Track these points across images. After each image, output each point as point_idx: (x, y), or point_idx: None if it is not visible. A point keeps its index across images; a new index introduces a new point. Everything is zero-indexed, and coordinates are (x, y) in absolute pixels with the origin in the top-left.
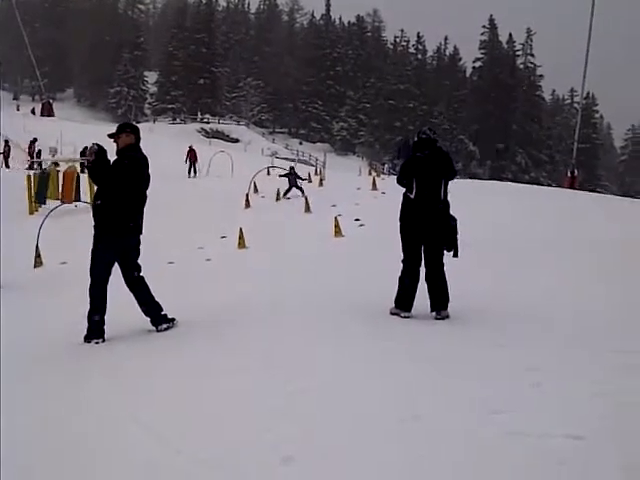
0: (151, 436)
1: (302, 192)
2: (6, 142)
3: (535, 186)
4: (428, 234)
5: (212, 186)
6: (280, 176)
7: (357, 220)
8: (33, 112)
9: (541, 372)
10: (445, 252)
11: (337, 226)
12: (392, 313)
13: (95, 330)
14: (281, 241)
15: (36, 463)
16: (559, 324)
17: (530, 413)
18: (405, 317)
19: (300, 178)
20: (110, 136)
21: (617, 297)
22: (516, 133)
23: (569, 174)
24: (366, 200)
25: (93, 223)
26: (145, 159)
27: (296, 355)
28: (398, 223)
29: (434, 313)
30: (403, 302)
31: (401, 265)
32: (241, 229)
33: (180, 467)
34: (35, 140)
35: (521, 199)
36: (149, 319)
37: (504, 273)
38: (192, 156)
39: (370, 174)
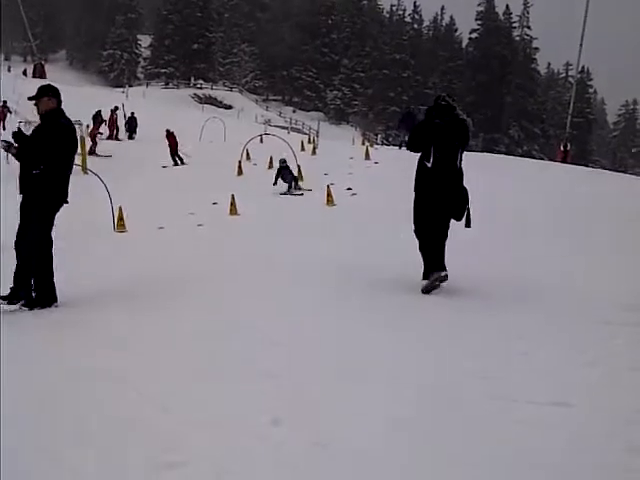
0: (136, 394)
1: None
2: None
3: (529, 159)
4: (444, 203)
5: (204, 152)
6: (275, 180)
7: (349, 189)
8: (25, 74)
9: (530, 340)
10: (455, 222)
11: (329, 195)
12: (426, 287)
13: (51, 294)
14: (272, 208)
15: (11, 424)
16: (549, 293)
17: (518, 380)
18: (445, 276)
19: (292, 174)
20: (30, 99)
21: (603, 268)
22: (510, 106)
23: (562, 148)
24: (359, 170)
25: (22, 194)
26: (70, 124)
27: (282, 317)
28: (413, 194)
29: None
30: (436, 263)
31: (414, 238)
32: (233, 196)
33: (167, 427)
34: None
35: (514, 172)
36: (11, 286)
37: (501, 244)
38: (172, 142)
39: (363, 144)
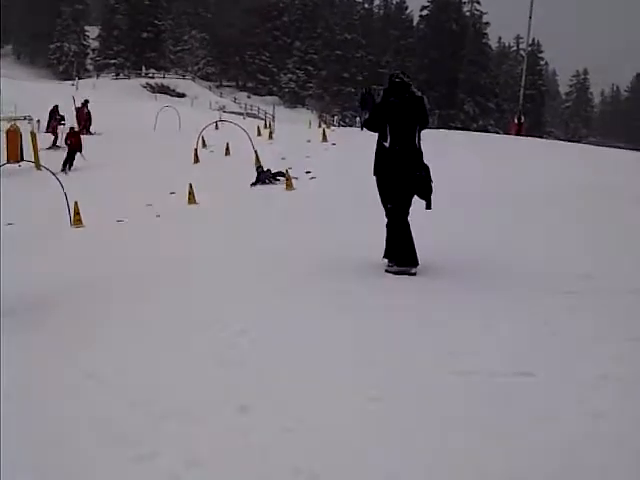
0: (102, 388)
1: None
2: None
3: (484, 134)
4: (406, 183)
5: (160, 142)
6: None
7: (308, 172)
8: None
9: (495, 316)
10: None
11: (288, 179)
12: (396, 272)
13: None
14: (230, 195)
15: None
16: (516, 269)
17: (482, 353)
18: (414, 273)
19: (274, 177)
20: None
21: (563, 239)
22: (464, 82)
23: (516, 121)
24: (317, 153)
25: None
26: None
27: (246, 305)
28: (374, 177)
29: (386, 260)
30: (408, 256)
31: (386, 219)
32: (191, 184)
33: (134, 421)
34: None
35: (472, 146)
36: None
37: (465, 222)
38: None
39: (320, 126)
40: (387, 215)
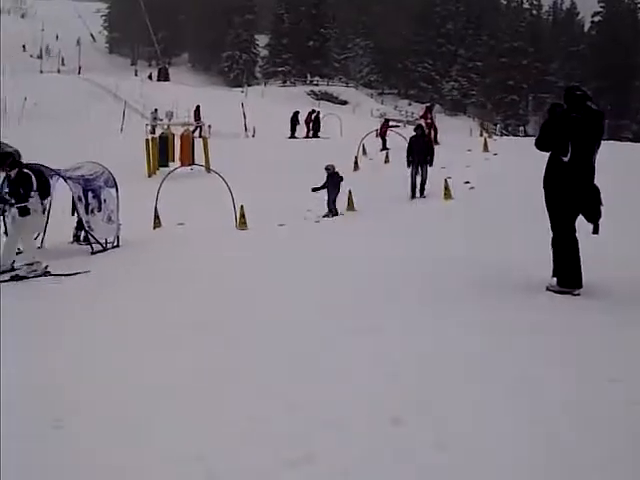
0: (261, 392)
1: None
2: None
3: None
4: (577, 202)
5: (321, 148)
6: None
7: (467, 183)
8: (150, 77)
9: None
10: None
11: (447, 188)
12: (556, 291)
13: None
14: (389, 203)
15: None
16: None
17: None
18: (578, 294)
19: (341, 179)
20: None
21: None
22: (638, 90)
23: None
24: (477, 162)
25: None
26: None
27: (401, 318)
28: (543, 191)
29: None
30: (573, 276)
31: (551, 234)
32: (350, 191)
33: (292, 424)
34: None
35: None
36: None
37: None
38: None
39: (481, 135)
40: (553, 230)
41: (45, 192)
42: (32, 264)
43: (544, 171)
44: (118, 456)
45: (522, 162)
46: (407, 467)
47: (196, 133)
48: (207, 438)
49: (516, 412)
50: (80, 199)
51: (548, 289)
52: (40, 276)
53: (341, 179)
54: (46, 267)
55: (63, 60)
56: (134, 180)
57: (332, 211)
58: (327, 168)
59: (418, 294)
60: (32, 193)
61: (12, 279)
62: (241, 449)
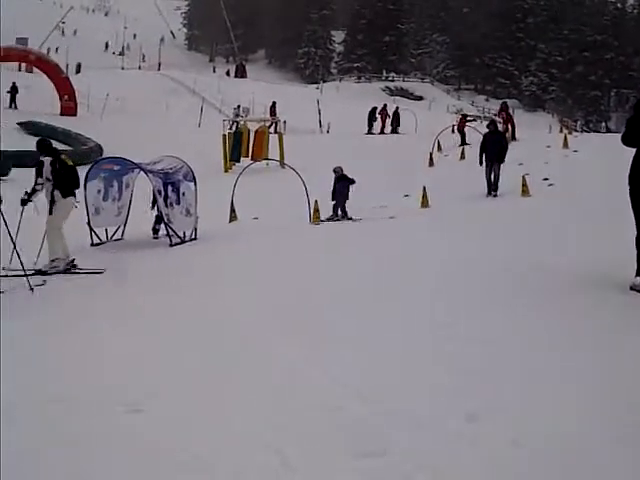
0: (333, 382)
1: (339, 213)
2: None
3: None
4: None
5: (396, 144)
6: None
7: (546, 180)
8: (228, 74)
9: None
10: None
11: (524, 185)
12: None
13: None
14: (464, 200)
15: None
16: None
17: None
18: None
19: (352, 182)
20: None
21: None
22: None
23: None
24: (556, 159)
25: None
26: None
27: (481, 313)
28: (627, 187)
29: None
30: None
31: (636, 232)
32: (424, 187)
33: (366, 416)
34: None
35: None
36: None
37: None
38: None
39: (561, 131)
40: (638, 228)
41: (68, 188)
42: (54, 260)
43: (630, 167)
44: (196, 443)
45: (604, 159)
46: (483, 462)
47: (272, 129)
48: (282, 427)
49: (597, 412)
50: (160, 192)
51: (632, 288)
52: (61, 273)
53: (351, 182)
54: (70, 262)
55: (144, 57)
56: (211, 174)
57: (337, 214)
58: (335, 170)
59: (504, 294)
60: (38, 186)
61: (36, 273)
62: (314, 439)
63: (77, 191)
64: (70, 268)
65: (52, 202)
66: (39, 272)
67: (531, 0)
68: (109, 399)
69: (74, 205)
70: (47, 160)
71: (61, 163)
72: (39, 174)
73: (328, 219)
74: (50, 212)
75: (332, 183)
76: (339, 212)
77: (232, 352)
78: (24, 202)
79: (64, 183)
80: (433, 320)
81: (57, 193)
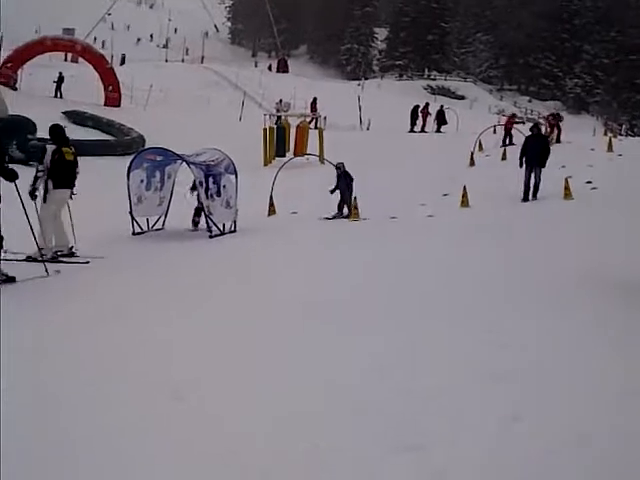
0: (374, 377)
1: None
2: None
3: None
4: None
5: (435, 142)
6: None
7: (589, 183)
8: (270, 68)
9: None
10: None
11: (567, 188)
12: None
13: None
14: (504, 201)
15: None
16: None
17: None
18: None
19: (352, 179)
20: None
21: None
22: None
23: None
24: (600, 162)
25: None
26: None
27: (516, 318)
28: None
29: None
30: None
31: None
32: (465, 187)
33: (406, 411)
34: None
35: None
36: None
37: None
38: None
39: (605, 134)
40: None
41: (61, 180)
42: (43, 248)
43: None
44: (234, 423)
45: None
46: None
47: (312, 124)
48: (316, 419)
49: None
50: (201, 184)
51: None
52: (48, 261)
53: (351, 179)
54: (56, 253)
55: (187, 50)
56: (251, 168)
57: (342, 212)
58: (337, 167)
59: (549, 299)
60: (39, 173)
61: (27, 259)
62: (353, 434)
63: (80, 184)
64: (57, 257)
65: (45, 191)
66: (28, 259)
67: (578, 1)
68: (151, 386)
69: (70, 196)
70: (50, 148)
71: (60, 155)
72: (41, 161)
73: (333, 217)
74: (44, 200)
75: (335, 179)
76: (344, 210)
77: (274, 345)
78: (32, 194)
79: (57, 174)
80: (474, 324)
81: (49, 183)
